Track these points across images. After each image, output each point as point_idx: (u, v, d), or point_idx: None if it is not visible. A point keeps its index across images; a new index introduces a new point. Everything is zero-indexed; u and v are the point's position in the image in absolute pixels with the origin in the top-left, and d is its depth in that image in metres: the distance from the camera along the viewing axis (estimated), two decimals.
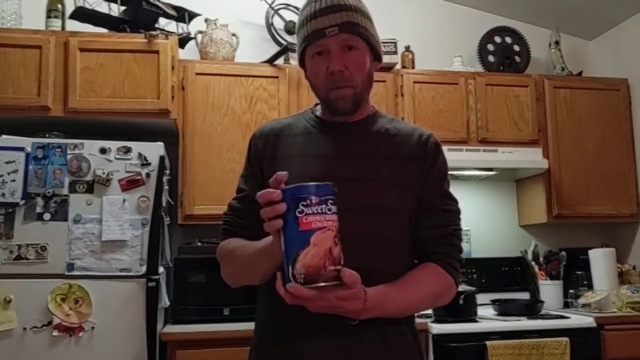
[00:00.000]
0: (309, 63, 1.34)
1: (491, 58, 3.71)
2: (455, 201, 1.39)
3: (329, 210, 1.04)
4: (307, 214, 1.02)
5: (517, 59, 3.74)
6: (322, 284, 1.02)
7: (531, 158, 3.43)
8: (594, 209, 3.50)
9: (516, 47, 3.76)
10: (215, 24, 3.29)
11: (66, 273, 2.48)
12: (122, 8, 3.00)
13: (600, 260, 3.33)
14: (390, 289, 1.22)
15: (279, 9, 3.59)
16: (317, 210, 1.02)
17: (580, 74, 3.78)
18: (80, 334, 2.45)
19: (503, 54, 3.72)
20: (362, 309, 1.14)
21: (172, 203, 2.93)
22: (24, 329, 2.42)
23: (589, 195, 3.50)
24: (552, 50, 3.81)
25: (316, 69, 1.32)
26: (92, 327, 2.46)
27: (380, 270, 1.20)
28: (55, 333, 2.43)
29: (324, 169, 1.30)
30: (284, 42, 3.43)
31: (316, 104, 1.46)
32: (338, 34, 1.27)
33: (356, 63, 1.30)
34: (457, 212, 1.38)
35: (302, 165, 1.32)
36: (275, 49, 3.37)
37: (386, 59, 3.17)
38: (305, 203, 1.03)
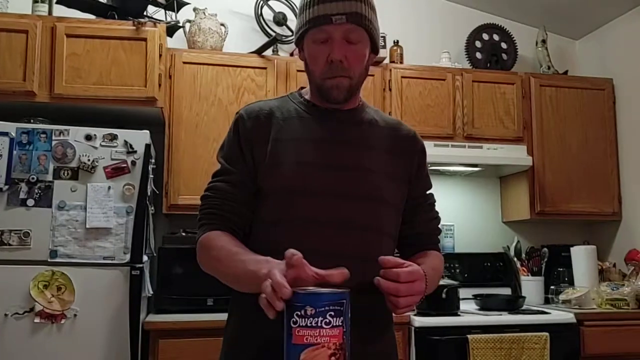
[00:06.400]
0: (309, 46, 1.31)
1: (478, 55, 3.74)
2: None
3: (327, 323, 0.92)
4: (301, 326, 0.92)
5: (504, 56, 3.77)
6: None
7: (516, 155, 3.46)
8: (576, 206, 3.54)
9: (503, 45, 3.78)
10: (204, 13, 3.27)
11: (49, 260, 2.46)
12: None
13: (582, 257, 3.37)
14: (428, 270, 1.23)
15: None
16: (311, 323, 0.91)
17: (566, 73, 3.82)
18: (63, 321, 2.44)
19: (490, 51, 3.75)
20: (425, 289, 1.17)
21: (157, 192, 2.92)
22: (5, 315, 2.40)
23: (571, 193, 3.54)
24: (539, 48, 3.84)
25: (316, 54, 1.29)
26: (75, 315, 2.45)
27: (374, 258, 1.18)
28: (37, 320, 2.42)
29: (322, 156, 1.30)
30: (273, 33, 3.43)
31: (301, 87, 1.45)
32: (344, 23, 1.26)
33: (357, 55, 1.29)
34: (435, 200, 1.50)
35: (299, 150, 1.30)
36: (264, 39, 3.37)
37: None
38: (299, 313, 0.92)
